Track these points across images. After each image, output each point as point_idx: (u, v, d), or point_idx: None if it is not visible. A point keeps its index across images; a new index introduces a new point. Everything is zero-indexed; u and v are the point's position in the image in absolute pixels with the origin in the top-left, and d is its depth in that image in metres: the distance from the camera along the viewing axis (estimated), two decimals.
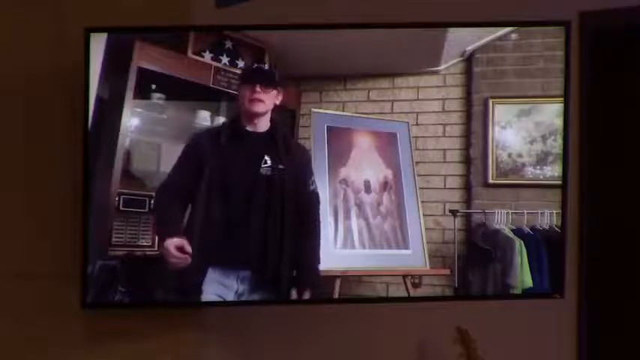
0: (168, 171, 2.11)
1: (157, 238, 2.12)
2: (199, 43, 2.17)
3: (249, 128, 2.14)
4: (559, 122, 2.16)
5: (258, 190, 2.10)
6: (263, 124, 2.15)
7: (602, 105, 2.26)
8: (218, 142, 2.12)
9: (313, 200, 2.15)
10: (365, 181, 2.23)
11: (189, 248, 2.06)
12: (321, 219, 2.15)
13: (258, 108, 2.13)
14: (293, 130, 2.24)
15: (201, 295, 2.09)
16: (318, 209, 2.15)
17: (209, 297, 2.10)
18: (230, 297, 2.11)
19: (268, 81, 2.13)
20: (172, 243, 2.06)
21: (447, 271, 2.21)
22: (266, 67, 2.16)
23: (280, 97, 2.15)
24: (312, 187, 2.16)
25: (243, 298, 2.12)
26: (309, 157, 2.19)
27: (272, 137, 2.15)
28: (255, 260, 2.11)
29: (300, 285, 2.13)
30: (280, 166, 2.12)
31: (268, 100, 2.13)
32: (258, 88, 2.12)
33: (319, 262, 2.13)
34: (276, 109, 2.14)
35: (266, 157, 2.12)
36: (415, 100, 2.23)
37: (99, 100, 2.10)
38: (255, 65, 2.17)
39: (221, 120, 2.21)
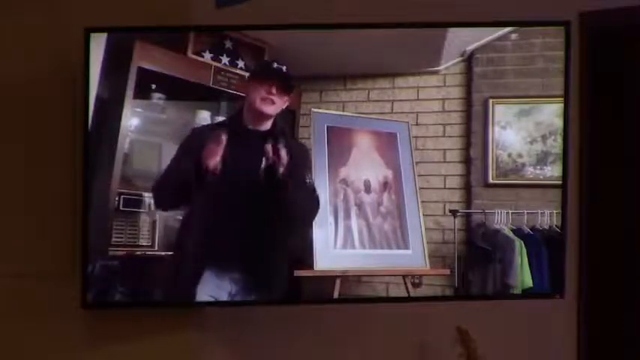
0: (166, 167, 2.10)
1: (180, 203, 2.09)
2: (199, 43, 2.17)
3: (250, 127, 2.14)
4: (559, 122, 2.16)
5: (255, 190, 2.09)
6: (266, 124, 2.14)
7: (602, 105, 2.26)
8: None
9: (308, 194, 2.14)
10: (365, 181, 2.23)
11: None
12: (318, 216, 2.15)
13: (269, 109, 2.12)
14: (293, 130, 2.24)
15: (197, 295, 2.09)
16: (316, 203, 2.15)
17: (204, 297, 2.10)
18: (224, 298, 2.11)
19: (286, 85, 2.13)
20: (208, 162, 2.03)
21: (447, 271, 2.21)
22: (284, 69, 2.14)
23: (287, 103, 2.15)
24: (308, 181, 2.15)
25: (237, 299, 2.12)
26: (308, 155, 2.18)
27: (272, 136, 2.13)
28: (247, 262, 2.11)
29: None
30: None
31: (280, 104, 2.13)
32: (274, 90, 2.11)
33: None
34: (280, 112, 2.14)
35: (264, 158, 2.10)
36: (415, 100, 2.23)
37: (99, 100, 2.10)
38: (276, 65, 2.14)
39: (221, 120, 2.21)
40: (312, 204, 2.14)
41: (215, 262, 2.10)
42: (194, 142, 2.10)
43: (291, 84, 2.14)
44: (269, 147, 2.04)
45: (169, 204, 2.14)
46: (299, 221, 2.15)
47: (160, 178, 2.11)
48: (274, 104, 2.12)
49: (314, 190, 2.15)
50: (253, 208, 2.10)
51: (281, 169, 2.05)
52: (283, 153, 2.05)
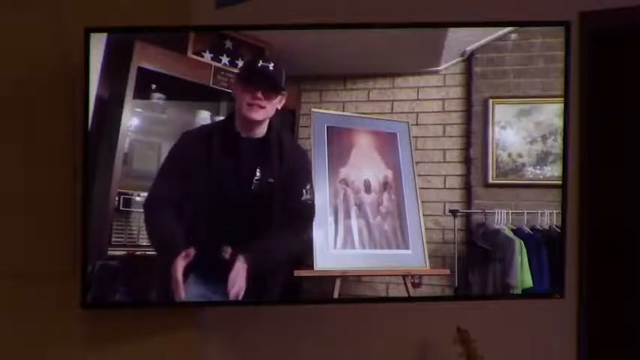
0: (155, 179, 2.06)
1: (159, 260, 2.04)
2: (199, 43, 2.17)
3: (243, 134, 2.04)
4: (559, 122, 2.16)
5: (245, 205, 2.02)
6: (260, 130, 2.05)
7: (602, 105, 2.26)
8: (208, 148, 2.02)
9: (305, 211, 2.08)
10: (365, 181, 2.23)
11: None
12: (318, 216, 2.12)
13: (258, 115, 2.01)
14: (293, 131, 2.23)
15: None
16: (311, 221, 2.10)
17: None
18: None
19: (272, 87, 1.99)
20: (178, 267, 1.95)
21: (447, 271, 2.21)
22: (271, 67, 2.00)
23: (283, 101, 2.06)
24: (305, 197, 2.06)
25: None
26: (307, 162, 2.13)
27: (267, 144, 2.03)
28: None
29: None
30: (270, 180, 2.01)
31: (270, 107, 2.02)
32: (260, 94, 1.99)
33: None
34: (276, 113, 2.07)
35: (257, 170, 2.01)
36: (415, 100, 2.23)
37: (99, 100, 2.10)
38: (260, 64, 2.00)
39: (213, 122, 2.17)
40: (304, 216, 2.09)
41: (204, 276, 2.05)
42: (184, 150, 2.05)
43: (279, 83, 2.01)
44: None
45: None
46: (291, 231, 2.10)
47: (150, 201, 2.05)
48: (263, 109, 1.99)
49: (310, 201, 2.09)
50: (246, 217, 2.04)
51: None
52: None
